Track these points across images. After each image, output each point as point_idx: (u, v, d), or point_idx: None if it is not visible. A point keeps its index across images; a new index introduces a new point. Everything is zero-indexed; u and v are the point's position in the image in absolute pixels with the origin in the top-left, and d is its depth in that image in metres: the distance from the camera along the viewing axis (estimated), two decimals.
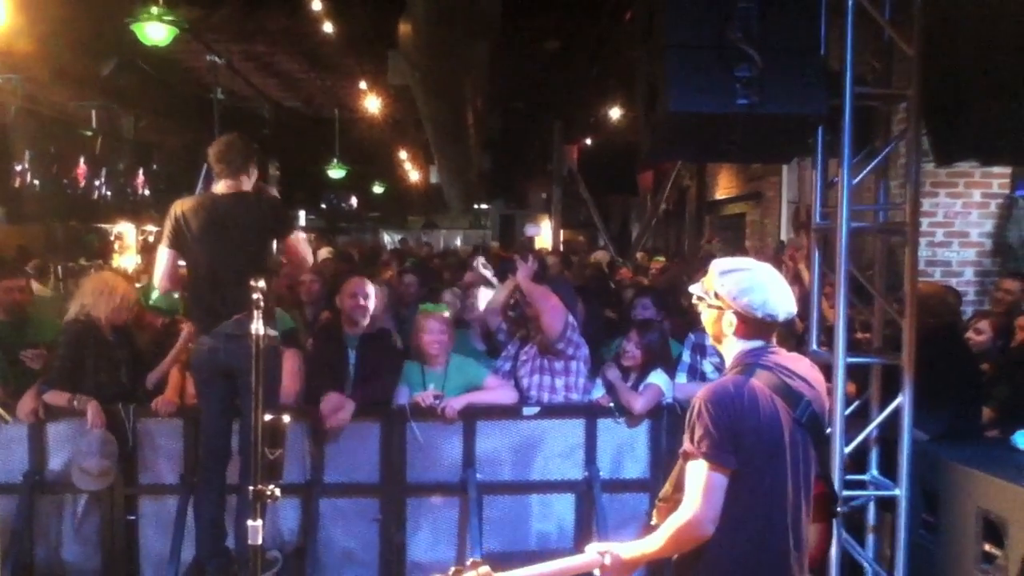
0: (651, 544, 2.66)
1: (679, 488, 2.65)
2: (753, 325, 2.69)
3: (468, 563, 2.45)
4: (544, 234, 16.46)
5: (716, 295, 2.74)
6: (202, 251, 4.38)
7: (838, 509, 3.11)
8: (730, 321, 2.71)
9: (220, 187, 4.42)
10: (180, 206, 4.44)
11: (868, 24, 4.47)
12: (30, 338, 5.37)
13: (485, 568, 2.43)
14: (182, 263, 4.53)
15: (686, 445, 2.62)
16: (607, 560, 2.65)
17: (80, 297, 5.08)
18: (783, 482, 2.61)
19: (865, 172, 4.58)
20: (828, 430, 2.94)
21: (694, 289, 2.85)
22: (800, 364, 2.77)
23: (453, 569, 2.41)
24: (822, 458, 2.84)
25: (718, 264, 2.80)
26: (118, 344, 5.07)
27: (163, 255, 4.50)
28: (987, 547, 4.21)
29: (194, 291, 4.53)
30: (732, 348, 2.75)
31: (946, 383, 4.79)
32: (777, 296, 2.69)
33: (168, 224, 4.47)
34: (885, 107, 4.82)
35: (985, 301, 7.12)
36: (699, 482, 2.56)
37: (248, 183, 4.46)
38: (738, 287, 2.69)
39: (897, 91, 4.60)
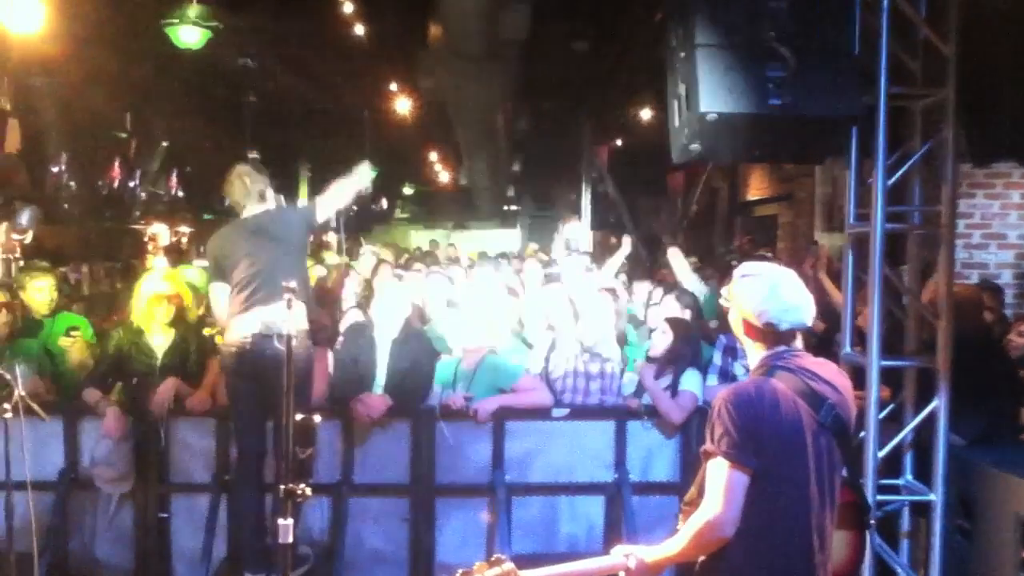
0: (673, 547, 2.66)
1: (703, 494, 2.65)
2: (756, 331, 2.74)
3: (492, 559, 2.46)
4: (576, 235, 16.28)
5: (729, 299, 2.82)
6: (242, 263, 4.54)
7: (871, 520, 3.06)
8: (739, 325, 2.79)
9: (247, 211, 4.68)
10: (215, 239, 4.77)
11: (902, 22, 4.41)
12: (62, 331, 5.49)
13: (509, 565, 2.44)
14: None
15: (707, 444, 2.63)
16: (631, 563, 2.67)
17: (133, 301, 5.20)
18: (806, 484, 2.60)
19: (900, 173, 4.51)
20: (861, 435, 2.92)
21: (724, 291, 2.90)
22: (825, 368, 2.77)
23: (476, 564, 2.43)
24: (851, 465, 2.84)
25: (739, 268, 2.87)
26: (169, 350, 5.09)
27: (215, 290, 4.71)
28: None
29: (232, 294, 4.59)
30: (754, 351, 2.79)
31: (982, 386, 4.71)
32: (779, 305, 2.71)
33: (210, 258, 4.75)
34: (920, 107, 4.75)
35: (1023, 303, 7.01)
36: (719, 482, 2.56)
37: (271, 199, 4.75)
38: (744, 293, 2.76)
39: (933, 91, 4.53)
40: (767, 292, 2.72)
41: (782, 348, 2.73)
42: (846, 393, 2.76)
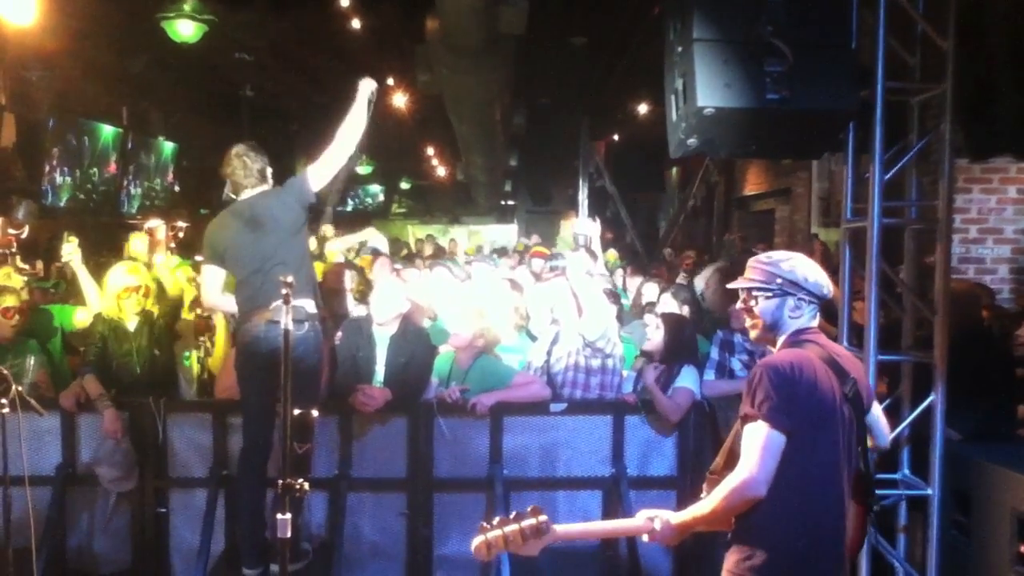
0: (703, 507, 2.74)
1: (729, 463, 2.75)
2: (808, 307, 2.87)
3: (528, 509, 2.59)
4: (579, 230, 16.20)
5: (789, 281, 2.86)
6: (243, 257, 4.52)
7: (873, 506, 3.10)
8: (795, 304, 2.87)
9: (245, 194, 4.60)
10: (213, 227, 4.68)
11: (900, 16, 4.41)
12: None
13: (544, 516, 2.58)
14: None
15: (746, 408, 2.72)
16: (657, 525, 2.75)
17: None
18: (836, 450, 2.73)
19: (897, 168, 4.52)
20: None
21: (742, 284, 2.95)
22: (839, 348, 2.97)
23: (514, 513, 2.57)
24: (863, 440, 2.93)
25: (772, 256, 2.99)
26: (141, 334, 5.13)
27: (208, 272, 4.69)
28: (1022, 548, 4.15)
29: (239, 286, 4.60)
30: (783, 332, 2.89)
31: (979, 381, 4.72)
32: (822, 275, 2.92)
33: (206, 243, 4.69)
34: (917, 102, 4.75)
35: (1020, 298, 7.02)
36: (757, 443, 2.65)
37: (269, 180, 4.66)
38: (802, 271, 2.88)
39: (930, 86, 4.54)
40: (812, 264, 2.92)
41: (808, 326, 2.88)
42: (861, 371, 2.94)
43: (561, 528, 2.65)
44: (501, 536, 2.56)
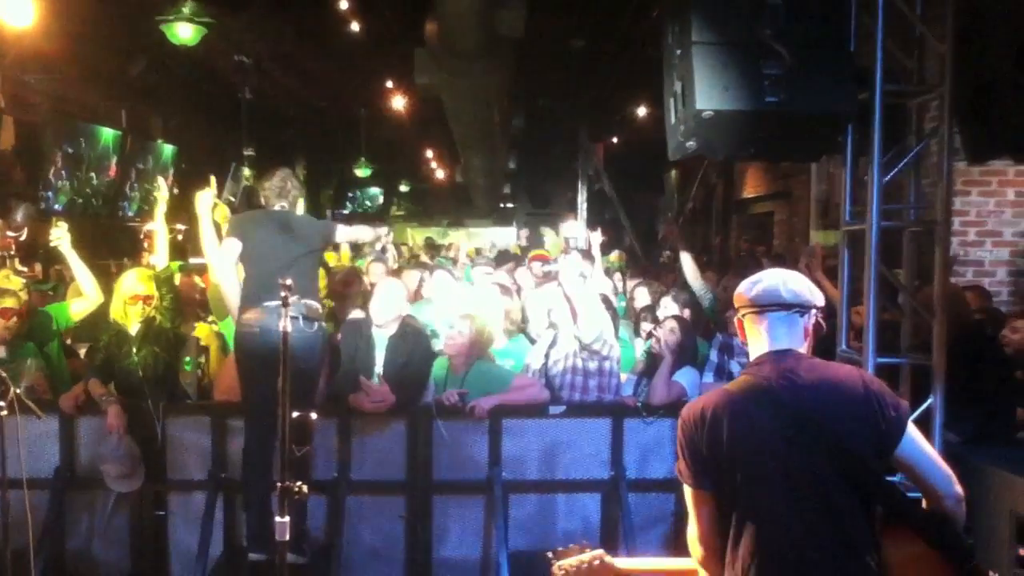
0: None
1: None
2: (744, 322, 2.60)
3: (582, 543, 2.64)
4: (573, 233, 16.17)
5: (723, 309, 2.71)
6: (269, 254, 4.63)
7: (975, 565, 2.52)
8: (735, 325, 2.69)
9: (276, 206, 4.81)
10: (244, 218, 5.05)
11: (898, 19, 4.42)
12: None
13: (600, 550, 2.61)
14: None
15: None
16: None
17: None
18: (778, 503, 2.39)
19: (895, 170, 4.52)
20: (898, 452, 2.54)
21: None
22: (828, 372, 2.51)
23: (571, 546, 2.63)
24: (889, 499, 2.54)
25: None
26: (143, 338, 5.10)
27: (228, 242, 4.74)
28: (1021, 551, 4.14)
29: (253, 278, 4.67)
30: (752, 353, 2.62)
31: (978, 384, 4.72)
32: (752, 280, 2.61)
33: (235, 224, 4.86)
34: (916, 104, 4.75)
35: (1019, 301, 7.02)
36: (687, 500, 2.55)
37: (298, 211, 4.97)
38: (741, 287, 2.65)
39: (928, 88, 4.54)
40: (747, 280, 2.65)
41: (774, 349, 2.51)
42: (847, 400, 2.43)
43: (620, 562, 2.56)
44: None
